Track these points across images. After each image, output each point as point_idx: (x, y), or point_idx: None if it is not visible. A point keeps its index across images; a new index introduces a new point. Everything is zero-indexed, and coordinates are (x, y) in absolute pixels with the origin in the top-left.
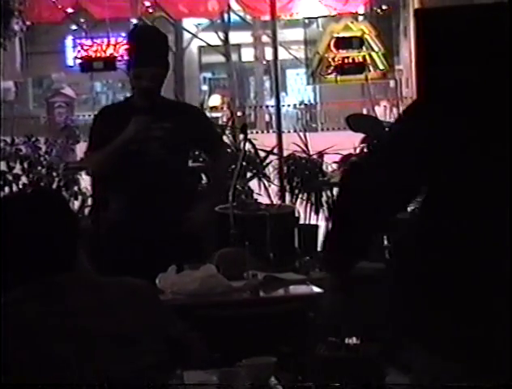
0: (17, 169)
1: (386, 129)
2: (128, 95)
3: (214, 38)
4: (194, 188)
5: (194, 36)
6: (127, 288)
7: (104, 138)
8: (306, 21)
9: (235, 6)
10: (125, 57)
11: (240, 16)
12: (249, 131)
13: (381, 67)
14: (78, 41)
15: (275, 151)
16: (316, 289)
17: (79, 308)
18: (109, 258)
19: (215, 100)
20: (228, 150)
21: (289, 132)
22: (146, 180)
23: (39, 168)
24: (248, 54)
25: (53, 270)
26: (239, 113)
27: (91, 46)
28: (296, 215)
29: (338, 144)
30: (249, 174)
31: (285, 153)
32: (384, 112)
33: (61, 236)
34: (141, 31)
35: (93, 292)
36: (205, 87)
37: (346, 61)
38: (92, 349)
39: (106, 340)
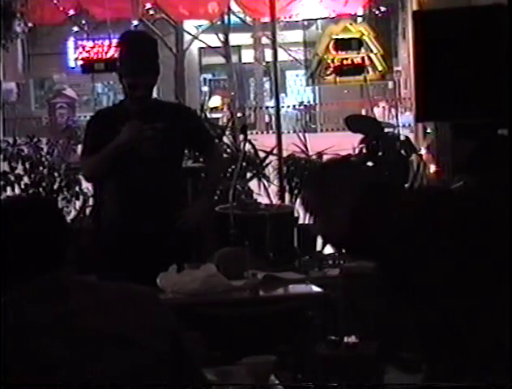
0: (19, 170)
1: (385, 129)
2: None
3: (214, 40)
4: (190, 187)
5: (195, 37)
6: (127, 291)
7: (99, 141)
8: (305, 23)
9: (235, 7)
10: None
11: (240, 18)
12: (249, 132)
13: (380, 68)
14: (79, 43)
15: (275, 151)
16: (315, 288)
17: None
18: (107, 257)
19: (215, 101)
20: (225, 150)
21: (289, 133)
22: (138, 179)
23: (40, 168)
24: (248, 56)
25: (40, 272)
26: (239, 114)
27: (92, 48)
28: (296, 215)
29: (337, 145)
30: (249, 174)
31: (285, 154)
32: (383, 113)
33: (49, 240)
34: (132, 38)
35: (86, 294)
36: (205, 88)
37: (345, 62)
38: (88, 350)
39: (102, 342)
